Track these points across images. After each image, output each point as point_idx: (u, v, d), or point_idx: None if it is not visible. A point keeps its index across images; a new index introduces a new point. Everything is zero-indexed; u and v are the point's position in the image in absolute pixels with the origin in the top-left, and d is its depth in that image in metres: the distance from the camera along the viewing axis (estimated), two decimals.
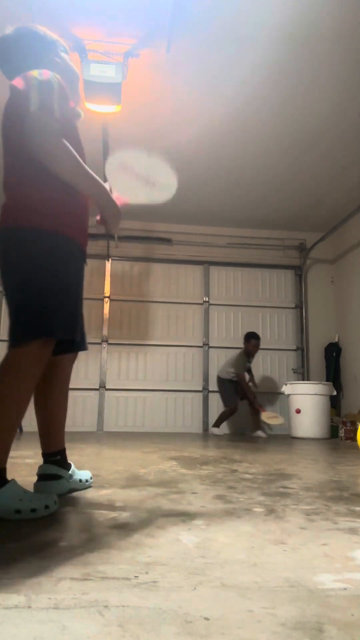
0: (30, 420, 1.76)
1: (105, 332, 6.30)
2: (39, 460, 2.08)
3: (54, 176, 1.51)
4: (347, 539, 1.25)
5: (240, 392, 5.68)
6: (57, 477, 1.78)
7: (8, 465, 1.50)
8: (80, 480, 1.89)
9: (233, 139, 4.63)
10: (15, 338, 1.50)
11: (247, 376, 5.72)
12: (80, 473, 1.92)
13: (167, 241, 6.60)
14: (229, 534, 1.29)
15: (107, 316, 6.35)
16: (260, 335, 6.66)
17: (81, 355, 5.53)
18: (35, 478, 1.77)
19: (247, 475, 2.32)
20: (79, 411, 6.05)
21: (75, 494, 1.80)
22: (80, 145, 1.70)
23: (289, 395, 5.59)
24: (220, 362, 6.47)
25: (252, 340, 5.76)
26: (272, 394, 6.38)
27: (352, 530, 1.34)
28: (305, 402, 5.30)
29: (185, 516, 1.46)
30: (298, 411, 5.33)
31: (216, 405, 6.31)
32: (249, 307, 6.69)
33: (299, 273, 6.81)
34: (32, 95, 1.48)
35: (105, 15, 3.23)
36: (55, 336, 1.55)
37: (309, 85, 3.86)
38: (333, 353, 6.40)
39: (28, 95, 1.49)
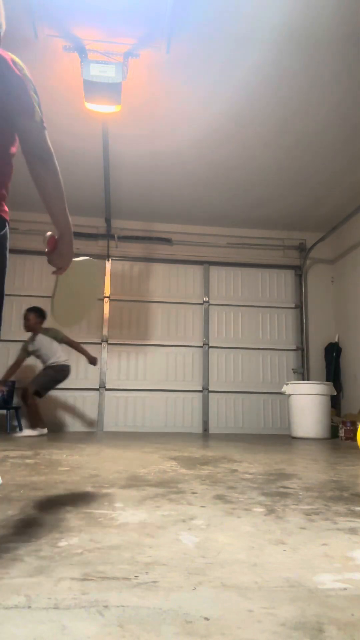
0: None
1: (105, 332, 6.30)
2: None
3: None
4: (347, 539, 1.25)
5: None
6: None
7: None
8: None
9: (233, 138, 4.63)
10: None
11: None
12: None
13: (167, 241, 6.60)
14: (229, 534, 1.28)
15: (107, 316, 6.35)
16: (260, 336, 6.69)
17: (81, 355, 5.48)
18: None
19: (247, 475, 2.32)
20: (79, 411, 6.06)
21: (74, 493, 1.80)
22: None
23: (289, 395, 5.59)
24: (221, 362, 6.47)
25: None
26: (273, 394, 6.37)
27: (352, 530, 1.34)
28: (305, 402, 5.30)
29: (185, 516, 1.46)
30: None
31: (216, 405, 6.31)
32: (249, 307, 6.69)
33: (299, 273, 6.81)
34: (34, 99, 1.46)
35: (105, 15, 3.23)
36: None
37: (309, 85, 3.86)
38: (333, 353, 6.40)
39: (31, 97, 1.45)
